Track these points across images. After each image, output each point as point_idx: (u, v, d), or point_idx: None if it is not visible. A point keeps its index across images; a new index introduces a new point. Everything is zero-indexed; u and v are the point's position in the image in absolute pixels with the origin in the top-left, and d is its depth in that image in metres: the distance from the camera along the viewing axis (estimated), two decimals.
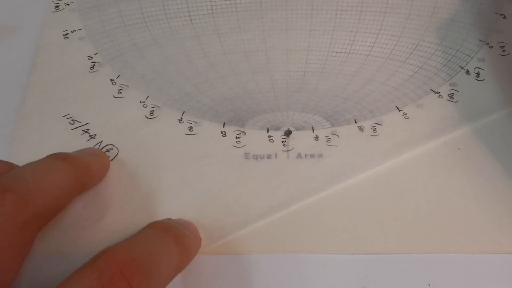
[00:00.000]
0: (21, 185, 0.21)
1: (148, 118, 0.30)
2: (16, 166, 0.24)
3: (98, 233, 0.26)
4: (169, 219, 0.26)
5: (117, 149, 0.29)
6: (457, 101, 0.30)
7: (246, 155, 0.28)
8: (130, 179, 0.27)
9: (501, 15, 0.34)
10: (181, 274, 0.23)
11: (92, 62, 0.32)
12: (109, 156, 0.28)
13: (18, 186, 0.21)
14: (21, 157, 0.28)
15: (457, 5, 0.35)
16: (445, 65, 0.32)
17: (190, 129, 0.29)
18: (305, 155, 0.28)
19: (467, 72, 0.31)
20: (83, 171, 0.24)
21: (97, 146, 0.29)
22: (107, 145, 0.29)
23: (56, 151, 0.28)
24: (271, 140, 0.29)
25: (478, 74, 0.31)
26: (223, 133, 0.29)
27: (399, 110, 0.30)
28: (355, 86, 0.31)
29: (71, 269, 0.24)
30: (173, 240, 0.22)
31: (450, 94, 0.30)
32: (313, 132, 0.29)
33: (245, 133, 0.29)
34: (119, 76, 0.32)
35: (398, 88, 0.31)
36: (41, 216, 0.21)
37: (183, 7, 0.35)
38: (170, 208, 0.26)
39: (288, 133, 0.29)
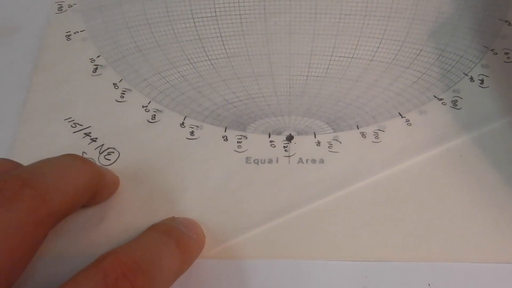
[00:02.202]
0: (40, 181, 0.21)
1: (150, 122, 0.30)
2: (22, 165, 0.24)
3: (98, 236, 0.26)
4: (173, 218, 0.26)
5: (118, 152, 0.29)
6: (461, 108, 0.30)
7: (247, 160, 0.28)
8: (130, 182, 0.27)
9: (505, 21, 0.34)
10: (181, 279, 0.23)
11: (94, 65, 0.32)
12: (109, 160, 0.28)
13: (37, 182, 0.20)
14: (21, 160, 0.28)
15: (461, 10, 0.34)
16: (448, 71, 0.32)
17: (192, 133, 0.29)
18: (307, 160, 0.28)
19: (471, 78, 0.31)
20: (98, 177, 0.24)
21: (98, 150, 0.29)
22: (108, 148, 0.29)
23: (57, 154, 0.28)
24: (272, 145, 0.29)
25: (482, 81, 0.31)
26: (225, 138, 0.29)
27: (402, 117, 0.30)
28: (358, 91, 0.31)
29: (71, 271, 0.24)
30: (175, 243, 0.22)
31: (454, 101, 0.30)
32: (315, 137, 0.29)
33: (246, 138, 0.29)
34: (121, 80, 0.32)
35: (401, 94, 0.31)
36: (56, 215, 0.21)
37: (186, 10, 0.35)
38: (170, 212, 0.26)
39: (289, 138, 0.29)
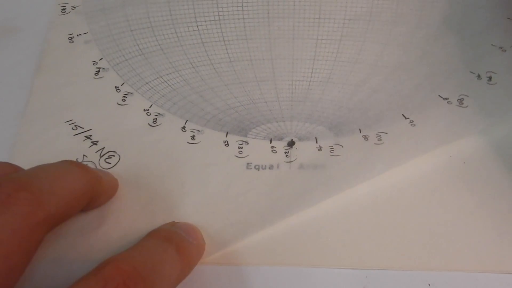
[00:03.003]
0: (36, 185, 0.20)
1: (151, 126, 0.30)
2: (22, 168, 0.24)
3: (98, 240, 0.26)
4: (173, 222, 0.26)
5: (119, 156, 0.29)
6: (467, 106, 0.30)
7: (248, 165, 0.28)
8: (130, 186, 0.27)
9: None
10: (181, 284, 0.23)
11: (97, 68, 0.32)
12: (110, 163, 0.28)
13: (33, 185, 0.20)
14: (22, 161, 0.28)
15: (468, 11, 0.34)
16: (455, 70, 0.31)
17: (193, 137, 0.29)
18: (308, 166, 0.28)
19: (478, 76, 0.31)
20: (95, 182, 0.24)
21: (98, 153, 0.29)
22: (109, 151, 0.29)
23: (58, 157, 0.28)
24: (273, 151, 0.29)
25: (490, 78, 0.31)
26: (226, 143, 0.29)
27: (406, 118, 0.30)
28: (361, 96, 0.31)
29: (70, 275, 0.24)
30: (175, 250, 0.22)
31: (460, 99, 0.30)
32: (316, 143, 0.29)
33: (247, 143, 0.29)
34: (123, 83, 0.32)
35: (405, 98, 0.31)
36: (52, 219, 0.21)
37: (190, 13, 0.35)
38: (170, 217, 0.26)
39: (291, 144, 0.29)
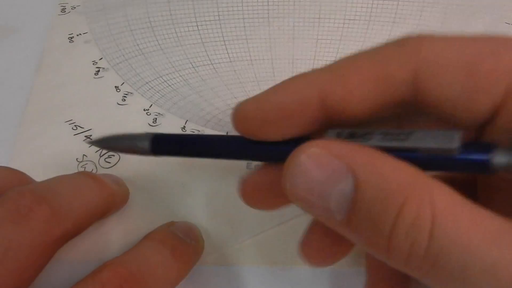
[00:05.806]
0: (56, 200, 0.21)
1: (151, 125, 0.30)
2: (30, 178, 0.24)
3: (97, 241, 0.26)
4: (172, 222, 0.26)
5: (119, 156, 0.28)
6: None
7: (248, 165, 0.28)
8: (130, 186, 0.27)
9: None
10: (180, 285, 0.23)
11: (96, 68, 0.32)
12: (110, 163, 0.28)
13: (53, 200, 0.20)
14: (22, 161, 0.28)
15: (467, 15, 0.34)
16: None
17: None
18: None
19: None
20: (109, 199, 0.24)
21: (98, 153, 0.29)
22: (108, 151, 0.29)
23: (58, 157, 0.28)
24: None
25: None
26: None
27: None
28: None
29: (69, 277, 0.24)
30: (171, 253, 0.23)
31: None
32: None
33: None
34: (123, 83, 0.32)
35: None
36: (67, 237, 0.21)
37: (190, 13, 0.35)
38: (170, 217, 0.26)
39: None
